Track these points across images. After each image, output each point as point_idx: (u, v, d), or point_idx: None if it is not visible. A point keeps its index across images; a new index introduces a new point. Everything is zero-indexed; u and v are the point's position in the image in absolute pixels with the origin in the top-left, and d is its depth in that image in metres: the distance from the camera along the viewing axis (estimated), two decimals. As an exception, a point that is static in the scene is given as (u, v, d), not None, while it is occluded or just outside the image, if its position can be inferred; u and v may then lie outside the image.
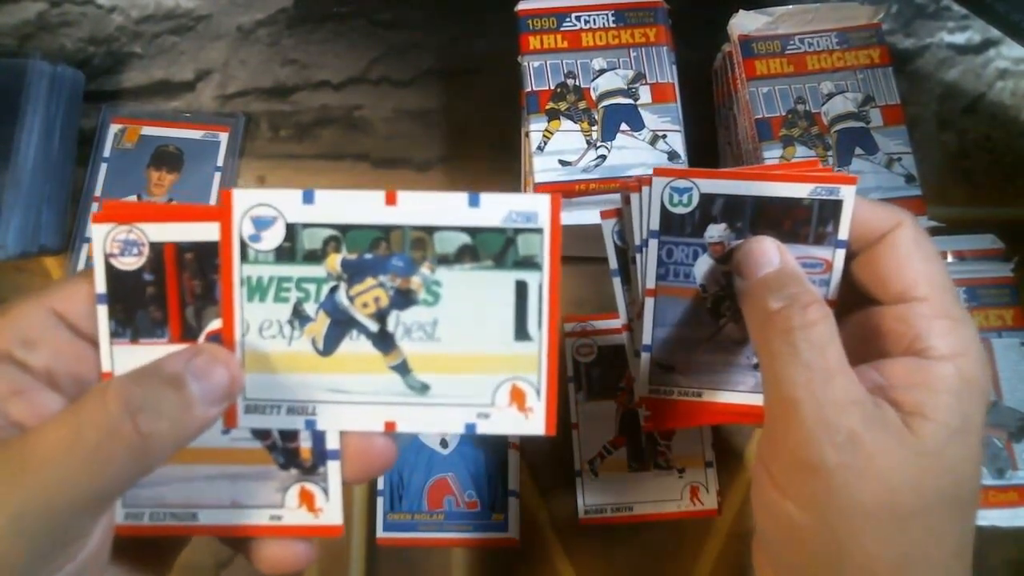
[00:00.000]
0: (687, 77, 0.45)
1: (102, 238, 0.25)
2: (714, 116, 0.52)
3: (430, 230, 0.25)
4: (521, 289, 0.25)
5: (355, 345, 0.25)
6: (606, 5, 0.45)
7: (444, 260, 0.25)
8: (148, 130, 0.52)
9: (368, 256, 0.25)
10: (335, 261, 0.25)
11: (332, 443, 0.26)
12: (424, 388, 0.26)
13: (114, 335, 0.25)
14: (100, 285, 0.25)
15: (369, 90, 0.54)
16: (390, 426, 0.26)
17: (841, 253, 0.30)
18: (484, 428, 0.26)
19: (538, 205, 0.25)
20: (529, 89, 0.43)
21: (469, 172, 0.52)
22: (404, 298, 0.25)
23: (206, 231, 0.25)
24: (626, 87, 0.43)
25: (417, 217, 0.25)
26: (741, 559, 0.47)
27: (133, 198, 0.51)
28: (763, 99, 0.44)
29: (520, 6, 0.45)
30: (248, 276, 0.25)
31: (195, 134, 0.52)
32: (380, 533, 0.46)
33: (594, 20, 0.44)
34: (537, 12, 0.45)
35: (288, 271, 0.25)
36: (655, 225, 0.30)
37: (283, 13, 0.55)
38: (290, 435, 0.26)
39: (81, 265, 0.50)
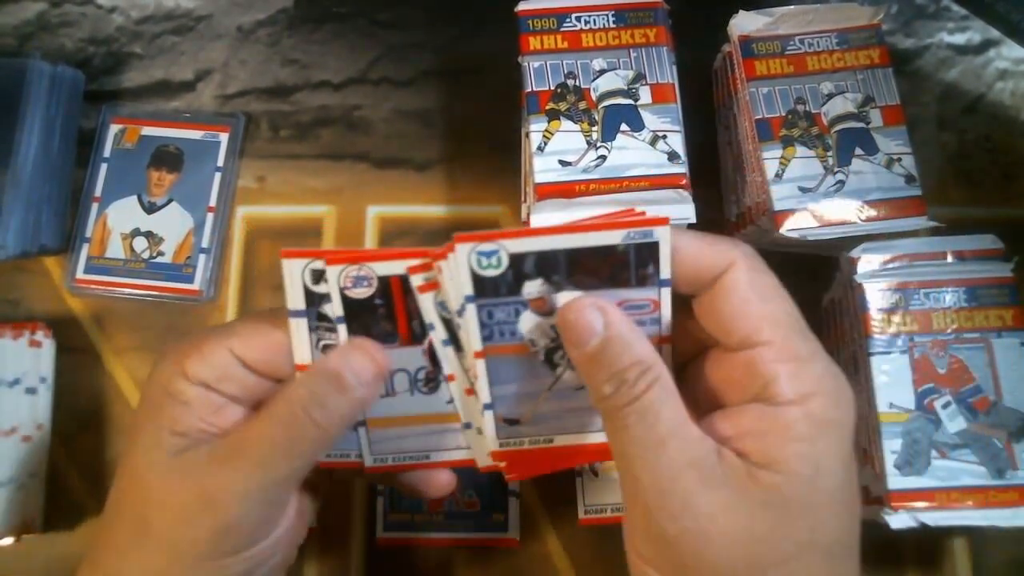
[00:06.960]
0: (687, 77, 0.45)
1: (336, 276, 0.30)
2: (714, 116, 0.52)
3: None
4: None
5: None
6: (606, 5, 0.45)
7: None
8: (148, 130, 0.52)
9: None
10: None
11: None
12: None
13: None
14: (338, 309, 0.31)
15: (369, 90, 0.54)
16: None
17: (667, 291, 0.29)
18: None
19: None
20: (529, 89, 0.43)
21: (469, 172, 0.52)
22: None
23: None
24: (626, 87, 0.43)
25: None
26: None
27: (133, 198, 0.51)
28: (763, 99, 0.44)
29: (520, 6, 0.45)
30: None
31: (195, 134, 0.52)
32: (380, 533, 0.46)
33: (594, 20, 0.44)
34: (537, 12, 0.45)
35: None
36: (468, 290, 0.29)
37: (283, 13, 0.55)
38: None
39: (81, 265, 0.50)
